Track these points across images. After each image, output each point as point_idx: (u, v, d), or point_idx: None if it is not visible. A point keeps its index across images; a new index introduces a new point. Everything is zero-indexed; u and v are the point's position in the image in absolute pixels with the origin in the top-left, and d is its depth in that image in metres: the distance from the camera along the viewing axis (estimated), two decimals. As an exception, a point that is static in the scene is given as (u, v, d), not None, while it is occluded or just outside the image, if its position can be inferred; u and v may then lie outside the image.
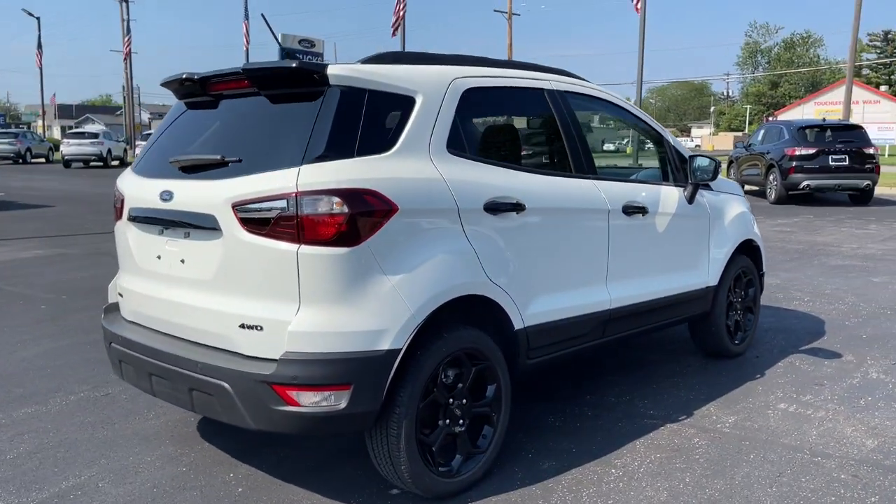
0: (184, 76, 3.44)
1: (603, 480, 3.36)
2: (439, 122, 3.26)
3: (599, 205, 3.94)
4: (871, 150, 15.73)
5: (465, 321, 3.24)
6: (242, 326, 2.95)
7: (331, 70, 3.03)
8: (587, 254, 3.91)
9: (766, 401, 4.36)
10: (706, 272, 4.81)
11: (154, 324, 3.40)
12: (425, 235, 3.09)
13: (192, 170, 3.18)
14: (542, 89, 3.91)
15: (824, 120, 18.69)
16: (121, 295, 3.65)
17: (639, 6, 24.00)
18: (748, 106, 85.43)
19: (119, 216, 3.61)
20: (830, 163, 15.51)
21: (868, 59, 78.44)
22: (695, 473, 3.42)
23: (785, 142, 16.15)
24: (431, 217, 3.13)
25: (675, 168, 4.64)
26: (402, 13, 29.00)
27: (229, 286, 3.01)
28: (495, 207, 3.35)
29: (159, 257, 3.33)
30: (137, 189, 3.46)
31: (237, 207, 2.93)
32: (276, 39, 3.83)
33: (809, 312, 6.55)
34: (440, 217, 3.16)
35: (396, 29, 29.34)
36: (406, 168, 3.08)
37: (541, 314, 3.59)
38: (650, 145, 4.82)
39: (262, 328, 2.91)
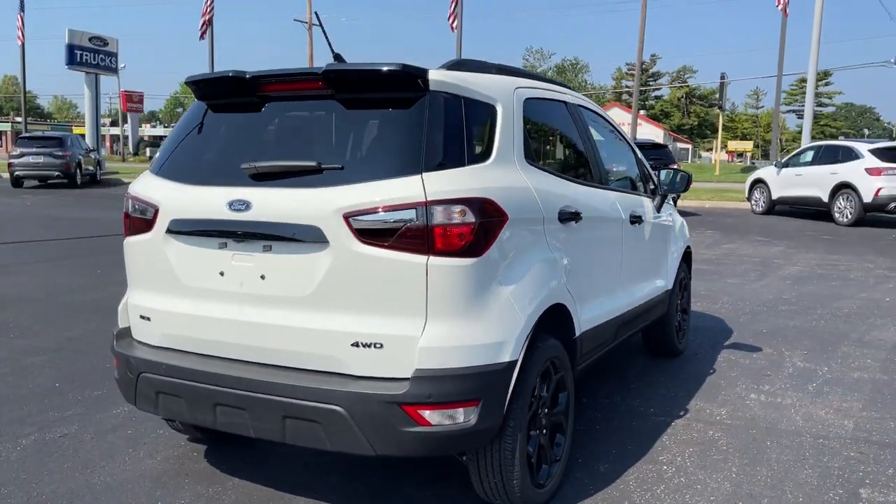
0: (230, 74, 3.12)
1: (663, 478, 3.51)
2: (516, 132, 3.25)
3: (618, 214, 4.12)
4: (675, 167, 17.56)
5: (546, 330, 3.25)
6: (356, 345, 2.75)
7: (432, 75, 2.92)
8: (612, 260, 4.08)
9: (737, 393, 4.77)
10: (668, 276, 5.18)
11: (211, 348, 3.04)
12: (525, 244, 3.07)
13: (269, 177, 2.90)
14: (565, 102, 4.01)
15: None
16: (145, 318, 3.21)
17: (454, 25, 24.88)
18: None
19: (145, 229, 3.18)
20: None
21: (627, 86, 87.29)
22: (736, 463, 3.68)
23: None
24: (528, 226, 3.11)
25: (645, 179, 4.95)
26: (210, 15, 27.68)
27: (336, 302, 2.78)
28: (563, 216, 3.40)
29: (222, 274, 2.99)
30: (186, 198, 3.08)
31: (351, 218, 2.72)
32: (330, 45, 3.57)
33: (705, 312, 7.21)
34: (533, 225, 3.15)
35: (205, 32, 27.98)
36: (505, 177, 3.04)
37: (589, 320, 3.68)
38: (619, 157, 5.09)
39: (381, 345, 2.72)
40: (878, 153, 15.81)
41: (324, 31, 3.53)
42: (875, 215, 16.11)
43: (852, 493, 3.37)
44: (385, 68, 2.86)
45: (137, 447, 3.83)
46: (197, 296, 3.07)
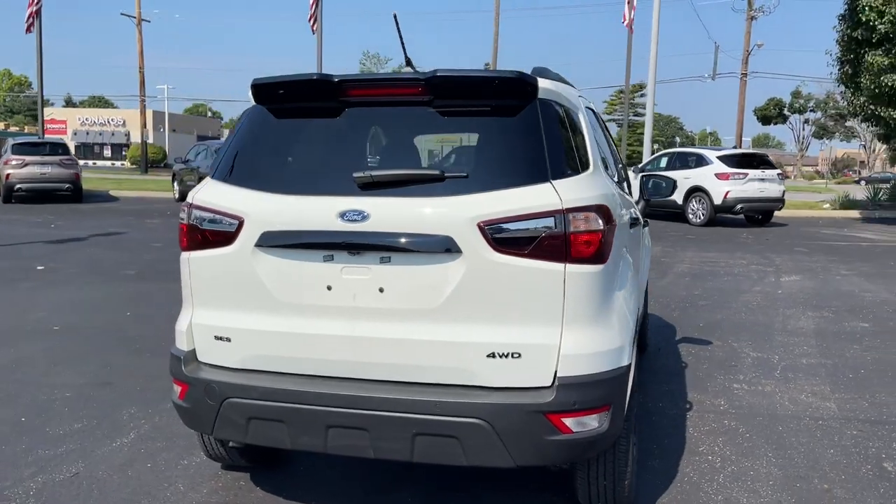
0: (316, 77, 2.96)
1: (715, 467, 3.71)
2: (594, 139, 3.32)
3: (637, 217, 4.30)
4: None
5: None
6: (492, 356, 2.69)
7: (541, 83, 2.92)
8: (637, 263, 4.24)
9: (721, 384, 5.11)
10: (644, 276, 5.44)
11: (315, 367, 2.86)
12: (620, 248, 3.15)
13: (380, 186, 2.78)
14: (593, 108, 4.14)
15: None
16: (222, 339, 2.97)
17: (315, 27, 24.49)
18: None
19: (223, 242, 2.94)
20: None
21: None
22: (767, 448, 3.96)
23: None
24: (621, 230, 3.19)
25: (628, 183, 5.18)
26: (37, 6, 25.42)
27: (469, 313, 2.71)
28: (631, 222, 3.51)
29: (329, 288, 2.82)
30: (281, 209, 2.87)
31: (487, 227, 2.67)
32: (403, 46, 3.41)
33: (638, 309, 7.61)
34: (621, 230, 3.24)
35: (31, 25, 25.67)
36: (603, 184, 3.10)
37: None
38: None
39: (519, 355, 2.69)
40: (724, 160, 17.36)
41: (399, 35, 3.42)
42: (723, 216, 17.66)
43: (878, 467, 3.73)
44: (500, 76, 2.84)
45: (172, 481, 3.51)
46: (296, 312, 2.87)
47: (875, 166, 72.29)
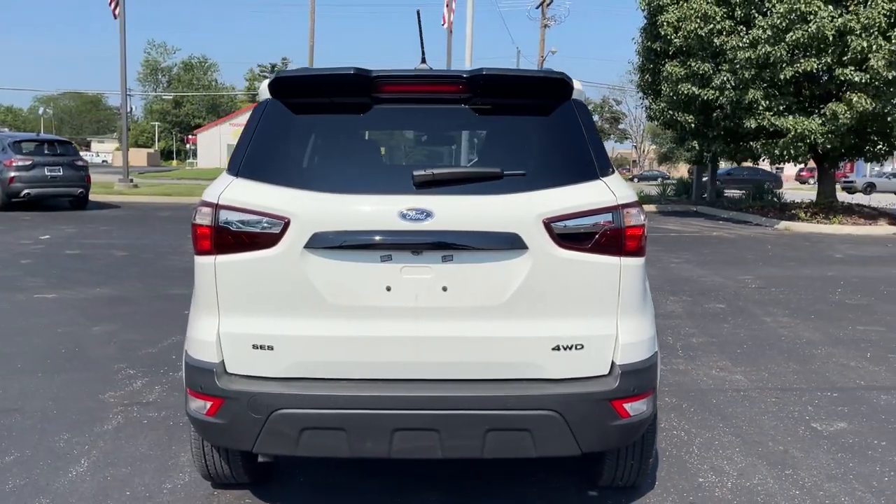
0: (352, 71, 2.88)
1: (684, 440, 4.06)
2: None
3: None
4: (82, 163, 18.07)
5: None
6: (557, 348, 2.79)
7: (576, 84, 3.05)
8: None
9: (688, 369, 5.48)
10: None
11: (373, 371, 2.78)
12: None
13: (436, 185, 2.76)
14: None
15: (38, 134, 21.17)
16: (263, 347, 2.80)
17: (117, 12, 22.70)
18: (155, 123, 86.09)
19: (265, 245, 2.77)
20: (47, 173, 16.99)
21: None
22: (715, 419, 4.38)
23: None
24: None
25: None
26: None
27: (535, 308, 2.78)
28: None
29: (389, 289, 2.76)
30: (333, 208, 2.75)
31: (551, 223, 2.76)
32: (422, 44, 3.30)
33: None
34: None
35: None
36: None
37: None
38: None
39: (582, 346, 2.81)
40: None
41: (420, 32, 3.36)
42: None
43: (810, 428, 4.27)
44: (547, 75, 2.93)
45: (169, 507, 3.23)
46: (351, 315, 2.77)
47: (645, 165, 79.93)
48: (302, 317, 2.78)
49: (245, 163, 2.89)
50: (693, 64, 17.60)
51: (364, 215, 2.74)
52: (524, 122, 3.02)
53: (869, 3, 15.28)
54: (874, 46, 15.01)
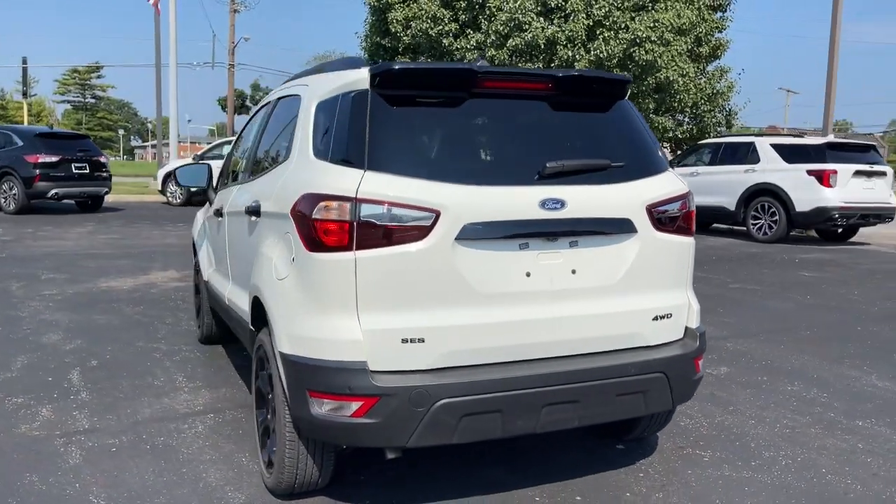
0: (464, 66, 3.00)
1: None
2: None
3: None
4: (105, 160, 16.47)
5: None
6: (655, 319, 3.21)
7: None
8: None
9: None
10: None
11: (517, 353, 2.94)
12: None
13: (559, 176, 3.01)
14: None
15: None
16: (413, 340, 2.80)
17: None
18: None
19: (414, 238, 2.78)
20: (74, 171, 15.51)
21: None
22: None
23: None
24: None
25: None
26: None
27: (639, 285, 3.16)
28: None
29: (528, 275, 2.94)
30: (481, 200, 2.84)
31: (652, 209, 3.16)
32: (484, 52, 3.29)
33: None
34: None
35: None
36: None
37: None
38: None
39: (671, 315, 3.26)
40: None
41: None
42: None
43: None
44: (621, 78, 3.31)
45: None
46: (497, 302, 2.90)
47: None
48: (452, 307, 2.83)
49: (371, 155, 2.83)
50: (423, 62, 18.72)
51: (508, 206, 2.88)
52: (601, 117, 3.33)
53: (571, 17, 17.63)
54: (577, 56, 17.40)
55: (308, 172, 3.00)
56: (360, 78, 2.98)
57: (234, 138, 5.17)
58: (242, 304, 3.89)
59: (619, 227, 3.08)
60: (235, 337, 5.69)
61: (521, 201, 2.90)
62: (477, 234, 2.83)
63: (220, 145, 19.46)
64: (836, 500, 3.31)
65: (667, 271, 3.25)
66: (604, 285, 3.09)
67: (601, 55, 17.08)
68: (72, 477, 3.41)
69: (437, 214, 2.78)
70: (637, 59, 17.14)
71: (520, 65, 17.72)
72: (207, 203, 5.15)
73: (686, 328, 3.32)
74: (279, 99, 4.09)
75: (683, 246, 3.29)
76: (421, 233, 2.77)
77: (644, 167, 3.25)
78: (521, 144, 3.13)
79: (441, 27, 18.19)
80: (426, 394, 2.74)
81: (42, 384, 4.72)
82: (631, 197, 3.12)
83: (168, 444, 3.82)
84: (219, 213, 4.52)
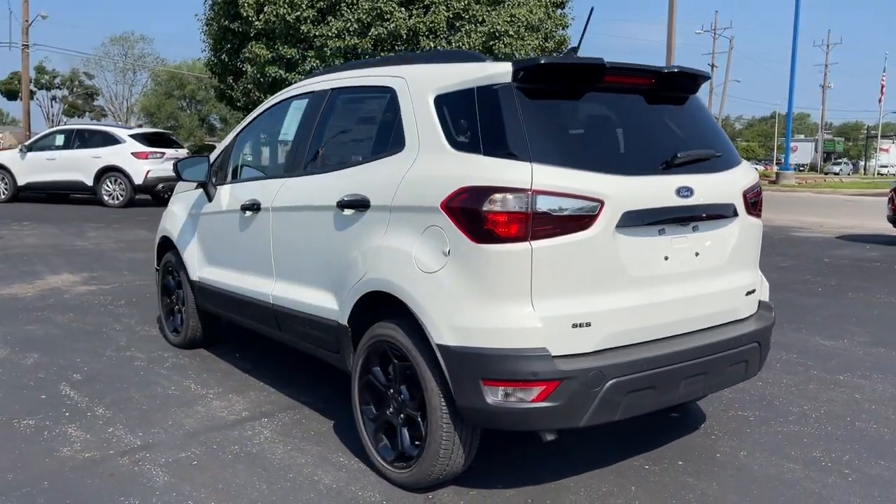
0: (594, 62, 3.15)
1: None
2: None
3: None
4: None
5: None
6: (748, 294, 3.55)
7: None
8: None
9: None
10: None
11: (659, 331, 3.16)
12: None
13: (680, 165, 3.26)
14: None
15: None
16: (581, 325, 2.94)
17: None
18: None
19: (580, 227, 2.90)
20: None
21: None
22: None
23: None
24: None
25: None
26: None
27: (737, 263, 3.48)
28: None
29: (666, 258, 3.17)
30: (634, 189, 3.01)
31: (746, 194, 3.50)
32: (582, 38, 3.32)
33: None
34: None
35: None
36: None
37: None
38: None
39: (754, 290, 3.62)
40: (138, 138, 17.11)
41: (586, 25, 3.57)
42: (144, 197, 17.37)
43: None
44: (704, 73, 3.60)
45: None
46: (646, 285, 3.09)
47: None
48: (612, 291, 3.00)
49: (534, 148, 2.91)
50: (280, 48, 18.19)
51: (653, 194, 3.09)
52: (686, 110, 3.58)
53: (432, 9, 17.91)
54: (439, 47, 17.72)
55: (456, 165, 3.01)
56: (500, 72, 3.03)
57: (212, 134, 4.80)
58: (314, 301, 3.77)
59: (730, 212, 3.38)
60: (219, 339, 5.45)
61: (661, 190, 3.11)
62: (632, 221, 3.00)
63: (52, 135, 17.76)
64: (881, 444, 3.84)
65: (751, 251, 3.60)
66: (716, 266, 3.37)
67: (462, 47, 17.51)
68: (175, 496, 3.18)
69: (602, 204, 2.92)
70: (497, 52, 17.77)
71: (382, 54, 17.74)
72: (205, 196, 4.84)
73: (759, 301, 3.70)
74: (336, 90, 3.97)
75: (759, 227, 3.65)
76: (588, 221, 2.90)
77: (731, 157, 3.56)
78: (644, 136, 3.33)
79: (299, 13, 17.74)
80: (601, 374, 2.88)
81: (38, 403, 4.27)
82: (733, 184, 3.43)
83: (248, 451, 3.64)
84: (251, 207, 4.29)
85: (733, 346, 3.33)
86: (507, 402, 2.86)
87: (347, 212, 3.52)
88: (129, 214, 15.31)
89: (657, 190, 3.10)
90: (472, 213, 2.88)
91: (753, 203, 3.55)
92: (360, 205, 3.44)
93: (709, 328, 3.35)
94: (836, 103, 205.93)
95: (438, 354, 2.98)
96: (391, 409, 3.33)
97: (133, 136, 17.09)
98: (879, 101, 63.95)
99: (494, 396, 2.87)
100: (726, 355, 3.30)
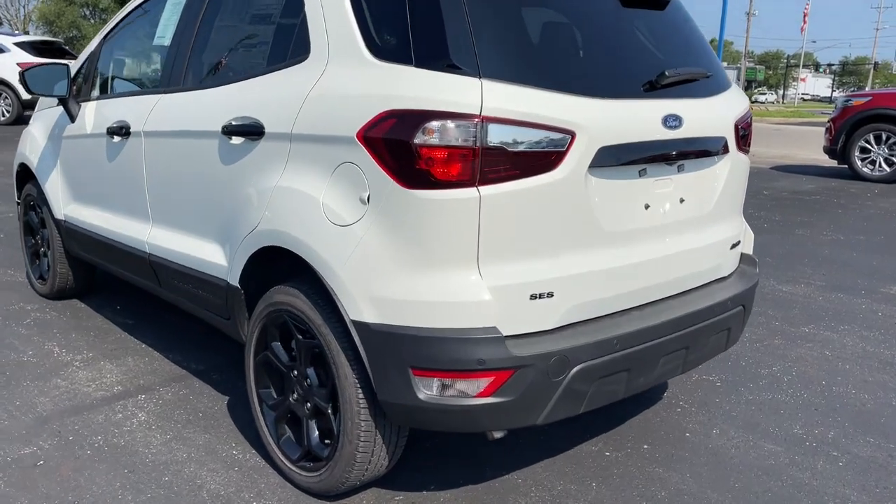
0: None
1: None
2: None
3: None
4: None
5: None
6: (732, 247, 2.93)
7: None
8: None
9: None
10: None
11: (632, 299, 2.51)
12: None
13: (668, 87, 2.55)
14: None
15: None
16: (541, 296, 2.25)
17: None
18: None
19: (543, 168, 2.18)
20: None
21: None
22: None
23: None
24: None
25: None
26: None
27: (723, 211, 2.84)
28: None
29: (647, 207, 2.49)
30: (613, 117, 2.29)
31: (738, 125, 2.83)
32: None
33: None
34: None
35: None
36: None
37: None
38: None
39: (739, 242, 3.00)
40: (24, 47, 15.39)
41: None
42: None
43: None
44: None
45: None
46: (619, 242, 2.41)
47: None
48: (580, 251, 2.31)
49: (483, 58, 2.14)
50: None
51: (635, 125, 2.38)
52: (666, 16, 2.84)
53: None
54: None
55: (378, 80, 2.22)
56: None
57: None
58: (197, 254, 2.98)
59: (719, 147, 2.71)
60: (94, 288, 4.60)
61: (645, 118, 2.41)
62: (609, 159, 2.30)
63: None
64: (865, 416, 3.36)
65: (738, 195, 2.96)
66: (701, 214, 2.72)
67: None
68: (7, 514, 2.42)
69: (573, 136, 2.20)
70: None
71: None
72: (67, 117, 3.89)
73: (741, 254, 3.09)
74: None
75: (748, 166, 3.01)
76: (555, 160, 2.18)
77: (721, 78, 2.87)
78: (622, 48, 2.58)
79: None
80: (565, 359, 2.22)
81: None
82: (724, 112, 2.76)
83: (115, 444, 2.88)
84: (119, 131, 3.39)
85: (718, 312, 2.72)
86: (445, 398, 2.18)
87: (235, 140, 2.69)
88: (17, 132, 13.77)
89: (641, 118, 2.39)
90: (399, 147, 2.12)
91: (744, 137, 2.89)
92: (251, 131, 2.62)
93: (689, 291, 2.72)
94: (758, 31, 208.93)
95: (354, 334, 2.25)
96: (296, 396, 2.61)
97: (19, 45, 15.33)
98: (802, 29, 64.65)
99: (428, 390, 2.18)
100: (710, 324, 2.69)
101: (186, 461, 2.76)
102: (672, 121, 2.46)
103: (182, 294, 3.20)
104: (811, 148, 15.42)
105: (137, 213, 3.41)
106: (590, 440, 3.03)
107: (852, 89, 70.88)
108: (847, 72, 78.74)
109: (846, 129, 10.97)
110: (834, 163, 11.71)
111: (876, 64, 75.58)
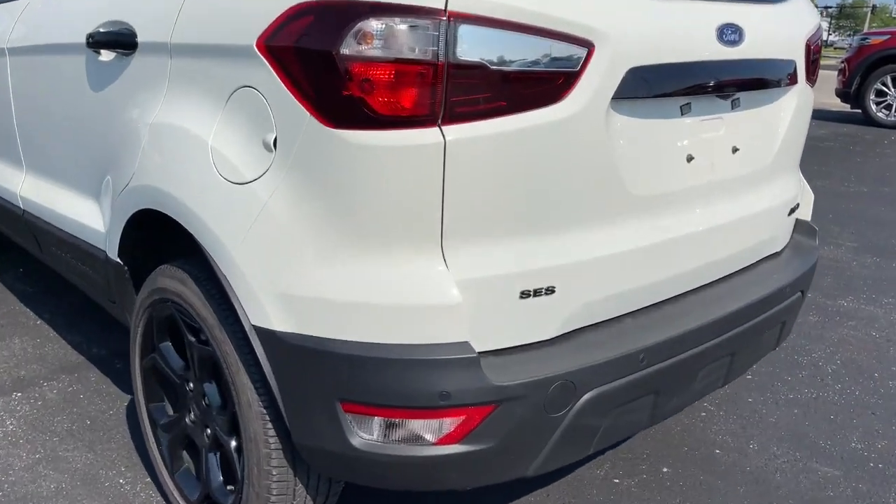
0: None
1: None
2: None
3: None
4: None
5: None
6: (790, 212, 2.19)
7: None
8: None
9: None
10: None
11: (665, 290, 1.77)
12: None
13: None
14: None
15: None
16: (539, 292, 1.51)
17: None
18: None
19: (545, 100, 1.41)
20: None
21: None
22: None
23: None
24: None
25: None
26: None
27: (783, 165, 2.09)
28: None
29: (690, 159, 1.73)
30: (652, 24, 1.52)
31: (811, 44, 2.06)
32: None
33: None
34: None
35: None
36: None
37: None
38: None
39: (798, 206, 2.26)
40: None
41: None
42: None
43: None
44: None
45: None
46: (651, 210, 1.66)
47: None
48: (595, 225, 1.56)
49: None
50: None
51: (681, 36, 1.60)
52: None
53: None
54: None
55: None
56: None
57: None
58: (71, 214, 2.22)
59: (785, 73, 1.94)
60: None
61: (694, 27, 1.63)
62: (642, 87, 1.52)
63: None
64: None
65: (800, 142, 2.20)
66: (758, 170, 1.97)
67: None
68: None
69: (590, 50, 1.42)
70: None
71: None
72: None
73: (796, 221, 2.34)
74: None
75: (810, 104, 2.24)
76: (561, 86, 1.41)
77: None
78: None
79: None
80: (571, 386, 1.49)
81: None
82: (794, 27, 1.98)
83: (-38, 468, 2.16)
84: None
85: (773, 303, 1.98)
86: (390, 445, 1.45)
87: (105, 56, 1.90)
88: None
89: (688, 26, 1.62)
90: (319, 61, 1.34)
91: (814, 61, 2.12)
92: (122, 42, 1.82)
93: (736, 273, 1.98)
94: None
95: (257, 345, 1.51)
96: (192, 417, 1.89)
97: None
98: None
99: (365, 433, 1.45)
100: (763, 320, 1.95)
101: (52, 497, 2.04)
102: (731, 33, 1.69)
103: (62, 264, 2.45)
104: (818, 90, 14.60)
105: (10, 157, 2.63)
106: (594, 460, 2.33)
107: (849, 33, 69.26)
108: (844, 15, 76.99)
109: (861, 71, 10.13)
110: (846, 107, 10.90)
111: (874, 7, 73.89)
